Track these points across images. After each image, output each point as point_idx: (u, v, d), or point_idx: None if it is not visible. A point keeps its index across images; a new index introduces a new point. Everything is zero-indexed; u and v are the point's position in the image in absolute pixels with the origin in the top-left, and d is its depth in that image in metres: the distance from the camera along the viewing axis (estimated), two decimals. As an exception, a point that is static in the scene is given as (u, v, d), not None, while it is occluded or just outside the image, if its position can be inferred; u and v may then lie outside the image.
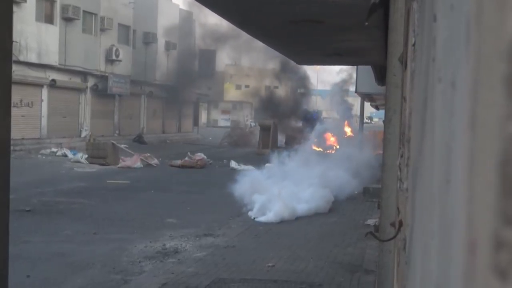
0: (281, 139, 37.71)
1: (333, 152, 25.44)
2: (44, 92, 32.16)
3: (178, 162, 25.25)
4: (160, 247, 10.21)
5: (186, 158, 25.50)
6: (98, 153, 24.96)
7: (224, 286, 7.89)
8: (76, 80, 35.28)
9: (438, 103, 1.19)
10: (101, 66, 37.11)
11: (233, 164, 24.94)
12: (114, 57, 37.74)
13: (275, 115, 39.69)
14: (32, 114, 31.09)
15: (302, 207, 13.51)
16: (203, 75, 49.47)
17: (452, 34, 1.00)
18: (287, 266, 9.05)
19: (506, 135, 0.63)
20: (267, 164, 19.77)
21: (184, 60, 45.79)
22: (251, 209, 13.46)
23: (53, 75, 32.40)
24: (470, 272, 0.69)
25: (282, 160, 18.32)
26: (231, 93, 68.77)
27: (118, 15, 38.58)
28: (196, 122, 53.20)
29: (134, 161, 24.64)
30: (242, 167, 23.28)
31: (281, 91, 47.60)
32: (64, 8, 32.68)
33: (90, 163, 24.73)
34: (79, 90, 35.71)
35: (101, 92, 37.27)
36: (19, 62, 28.07)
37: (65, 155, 27.99)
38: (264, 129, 35.98)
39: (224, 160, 27.03)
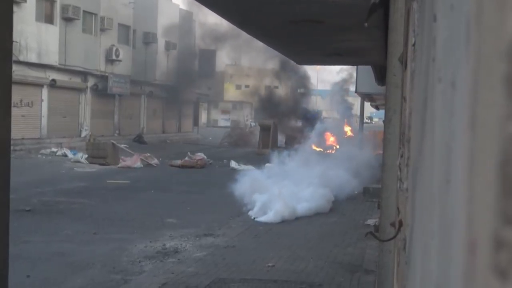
0: (281, 139, 37.71)
1: (333, 152, 25.45)
2: (44, 92, 32.16)
3: (178, 162, 25.25)
4: (160, 247, 10.21)
5: (186, 158, 25.50)
6: (98, 153, 24.96)
7: (224, 286, 7.89)
8: (76, 80, 35.28)
9: (438, 103, 1.19)
10: (101, 66, 37.11)
11: (233, 164, 24.94)
12: (114, 57, 37.74)
13: (275, 115, 39.68)
14: (32, 114, 31.09)
15: (302, 207, 13.50)
16: (203, 75, 49.47)
17: (452, 34, 1.00)
18: (287, 266, 9.05)
19: (506, 135, 0.63)
20: (267, 164, 19.78)
21: (184, 60, 45.78)
22: (251, 209, 13.46)
23: (53, 75, 32.40)
24: (470, 272, 0.69)
25: (282, 160, 18.34)
26: (231, 93, 68.75)
27: (118, 15, 38.58)
28: (196, 122, 53.20)
29: (134, 161, 24.64)
30: (242, 167, 23.27)
31: (281, 91, 47.58)
32: (64, 8, 32.68)
33: (90, 163, 24.73)
34: (79, 90, 35.71)
35: (101, 92, 37.27)
36: (19, 62, 28.07)
37: (65, 155, 27.99)
38: (264, 129, 35.98)
39: (224, 160, 27.04)
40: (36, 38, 30.49)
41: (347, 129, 32.46)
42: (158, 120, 46.47)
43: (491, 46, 0.68)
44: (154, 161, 25.54)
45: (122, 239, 10.74)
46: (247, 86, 58.81)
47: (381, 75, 11.87)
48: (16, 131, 25.79)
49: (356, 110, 39.66)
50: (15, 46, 26.27)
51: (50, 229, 11.49)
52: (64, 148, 29.60)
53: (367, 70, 15.11)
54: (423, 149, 1.53)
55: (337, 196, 15.32)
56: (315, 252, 10.02)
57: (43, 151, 29.37)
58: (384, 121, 4.87)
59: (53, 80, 32.35)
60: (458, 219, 0.80)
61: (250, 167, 22.19)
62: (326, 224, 12.81)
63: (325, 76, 70.08)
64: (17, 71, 26.72)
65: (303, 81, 47.28)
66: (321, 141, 28.17)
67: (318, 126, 29.83)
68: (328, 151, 25.82)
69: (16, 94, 26.65)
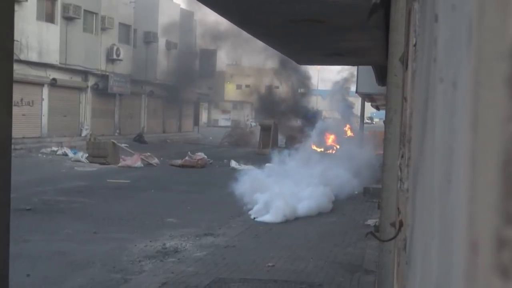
0: (281, 138, 37.71)
1: (333, 152, 25.43)
2: (45, 91, 32.18)
3: (179, 161, 25.25)
4: (160, 247, 10.21)
5: (187, 158, 25.50)
6: (99, 152, 24.97)
7: (224, 286, 7.89)
8: (77, 79, 35.29)
9: (439, 103, 1.19)
10: (101, 65, 37.13)
11: (233, 163, 24.94)
12: (114, 56, 37.76)
13: (275, 114, 39.66)
14: (33, 113, 31.11)
15: (303, 206, 13.48)
16: (204, 74, 49.49)
17: (453, 34, 1.00)
18: (287, 266, 9.05)
19: (508, 135, 0.64)
20: (267, 164, 19.78)
21: (185, 59, 45.80)
22: (251, 209, 13.46)
23: (53, 74, 32.41)
24: (472, 271, 0.69)
25: (282, 160, 18.34)
26: (232, 93, 68.76)
27: (118, 14, 38.59)
28: (196, 121, 53.22)
29: (134, 160, 24.65)
30: (243, 166, 23.27)
31: (282, 91, 47.57)
32: (65, 7, 32.70)
33: (91, 162, 24.74)
34: (80, 89, 35.73)
35: (102, 91, 37.29)
36: (20, 61, 28.08)
37: (65, 154, 28.00)
38: (265, 129, 35.99)
39: (225, 160, 27.04)
40: (37, 37, 30.51)
41: (347, 129, 32.42)
42: (159, 120, 46.49)
43: (493, 47, 0.69)
44: (155, 160, 25.54)
45: (122, 239, 10.74)
46: (247, 86, 58.80)
47: (381, 75, 11.87)
48: (17, 130, 25.80)
49: (357, 110, 39.59)
50: (16, 45, 26.27)
51: (50, 228, 11.50)
52: (65, 147, 29.61)
53: (368, 70, 15.11)
54: (424, 149, 1.53)
55: (337, 196, 15.33)
56: (315, 252, 10.02)
57: (43, 150, 29.39)
58: (384, 121, 4.87)
59: (54, 79, 32.36)
60: (459, 219, 0.80)
61: (250, 167, 22.19)
62: (326, 224, 12.81)
63: (326, 75, 69.95)
64: (18, 70, 26.73)
65: (304, 80, 47.25)
66: (322, 141, 28.15)
67: (319, 124, 29.81)
68: (328, 151, 25.80)
69: (17, 93, 26.66)
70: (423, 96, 1.61)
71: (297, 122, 41.42)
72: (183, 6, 48.85)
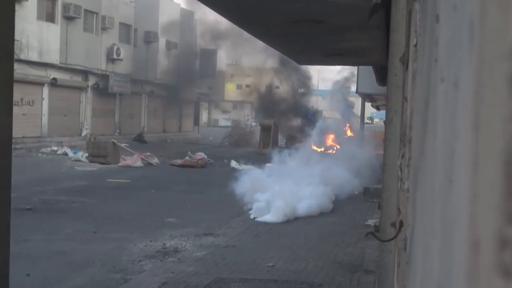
0: (282, 138, 37.71)
1: (333, 152, 25.43)
2: (45, 90, 32.18)
3: (179, 161, 25.26)
4: (160, 246, 10.21)
5: (187, 158, 25.51)
6: (99, 152, 24.97)
7: (224, 286, 7.89)
8: (77, 79, 35.30)
9: (440, 103, 1.19)
10: (102, 65, 37.13)
11: (233, 163, 24.95)
12: (115, 56, 37.77)
13: (275, 114, 39.66)
14: (33, 113, 31.12)
15: (303, 206, 13.47)
16: (204, 74, 49.50)
17: (455, 35, 1.00)
18: (287, 266, 9.05)
19: (510, 135, 0.64)
20: (267, 164, 19.77)
21: (185, 59, 45.81)
22: (251, 209, 13.45)
23: (54, 74, 32.42)
24: (473, 271, 0.69)
25: (282, 159, 18.34)
26: (232, 93, 68.77)
27: (119, 14, 38.60)
28: (196, 121, 53.22)
29: (134, 160, 24.65)
30: (243, 166, 23.27)
31: (282, 91, 47.56)
32: (66, 7, 32.71)
33: (91, 162, 24.74)
34: (80, 89, 35.73)
35: (102, 91, 37.30)
36: (20, 61, 28.08)
37: (65, 154, 28.00)
38: (265, 129, 36.00)
39: (225, 160, 27.04)
40: (37, 36, 30.51)
41: (347, 129, 32.39)
42: (159, 120, 46.49)
43: (495, 47, 0.69)
44: (155, 160, 25.54)
45: (122, 238, 10.74)
46: (247, 86, 58.81)
47: (382, 76, 11.87)
48: (17, 130, 25.79)
49: (357, 110, 39.51)
50: (16, 44, 26.27)
51: (50, 228, 11.50)
52: (65, 147, 29.62)
53: (368, 70, 15.11)
54: (425, 150, 1.53)
55: (338, 196, 15.34)
56: (315, 252, 10.02)
57: (43, 149, 29.39)
58: (385, 122, 4.87)
59: (54, 78, 32.36)
60: (460, 219, 0.80)
61: (250, 166, 22.19)
62: (326, 224, 12.81)
63: (326, 75, 69.79)
64: (18, 70, 26.73)
65: (305, 80, 47.24)
66: (322, 141, 28.14)
67: (319, 124, 29.81)
68: (328, 151, 25.80)
69: (17, 92, 26.66)
70: (424, 96, 1.61)
71: (297, 122, 41.41)
72: (183, 5, 48.87)
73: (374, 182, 16.83)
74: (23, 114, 29.50)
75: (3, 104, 2.89)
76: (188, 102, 49.77)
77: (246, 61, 56.71)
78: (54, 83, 32.41)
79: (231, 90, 69.29)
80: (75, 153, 27.26)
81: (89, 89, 36.40)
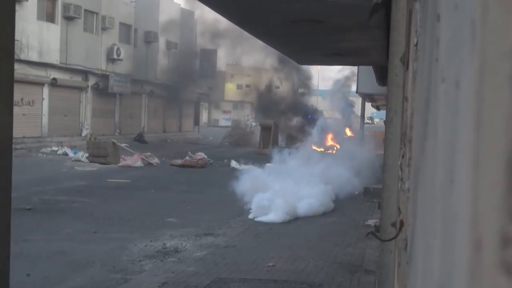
0: (282, 138, 37.71)
1: (333, 152, 25.43)
2: (45, 90, 32.18)
3: (179, 161, 25.26)
4: (160, 246, 10.21)
5: (187, 158, 25.51)
6: (99, 152, 24.97)
7: (224, 286, 7.89)
8: (77, 79, 35.30)
9: (441, 103, 1.19)
10: (102, 65, 37.13)
11: (233, 163, 24.94)
12: (115, 56, 37.77)
13: (275, 114, 39.65)
14: (33, 113, 31.12)
15: (303, 205, 13.46)
16: (204, 74, 49.51)
17: (456, 34, 1.00)
18: (287, 266, 9.05)
19: (512, 134, 0.64)
20: (267, 164, 19.77)
21: (185, 59, 45.81)
22: (251, 208, 13.44)
23: (54, 74, 32.42)
24: (476, 270, 0.69)
25: (283, 159, 18.33)
26: (232, 93, 68.77)
27: (119, 14, 38.59)
28: (196, 121, 53.23)
29: (134, 160, 24.65)
30: (243, 166, 23.27)
31: (282, 90, 47.56)
32: (66, 7, 32.71)
33: (91, 162, 24.74)
34: (80, 89, 35.74)
35: (102, 91, 37.30)
36: (20, 61, 28.08)
37: (65, 154, 28.01)
38: (265, 129, 36.00)
39: (225, 160, 27.04)
40: (37, 36, 30.51)
41: (347, 130, 32.38)
42: (159, 120, 46.49)
43: (496, 46, 0.69)
44: (155, 160, 25.54)
45: (122, 238, 10.74)
46: (247, 86, 58.82)
47: (382, 75, 11.87)
48: (17, 130, 25.79)
49: (357, 110, 39.44)
50: (16, 44, 26.20)
51: (50, 228, 11.50)
52: (65, 147, 29.62)
53: (368, 70, 15.12)
54: (425, 149, 1.53)
55: (338, 196, 15.34)
56: (315, 252, 10.02)
57: (43, 149, 29.39)
58: (385, 122, 4.87)
59: (54, 79, 32.37)
60: (462, 217, 0.80)
61: (250, 166, 22.18)
62: (326, 224, 12.81)
63: (326, 74, 69.69)
64: (18, 70, 26.73)
65: (305, 80, 47.22)
66: (322, 141, 28.15)
67: (319, 122, 29.82)
68: (328, 151, 25.80)
69: (17, 92, 26.64)
70: (424, 96, 1.61)
71: (297, 121, 41.41)
72: (183, 5, 48.88)
73: (374, 182, 16.83)
74: (23, 114, 29.49)
75: (4, 104, 2.89)
76: (188, 102, 49.77)
77: (246, 61, 56.71)
78: (54, 83, 32.42)
79: (231, 90, 69.29)
80: (75, 153, 27.27)
81: (89, 89, 36.41)
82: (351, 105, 41.87)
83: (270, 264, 9.07)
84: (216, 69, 53.22)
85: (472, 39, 0.79)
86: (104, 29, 36.94)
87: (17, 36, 26.86)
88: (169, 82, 44.72)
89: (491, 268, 0.64)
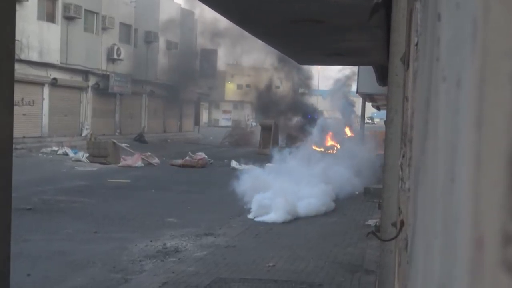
0: (282, 138, 37.71)
1: (334, 152, 25.44)
2: (46, 90, 32.19)
3: (179, 161, 25.26)
4: (160, 246, 10.21)
5: (187, 158, 25.51)
6: (99, 152, 24.98)
7: (224, 286, 7.89)
8: (78, 79, 35.31)
9: (442, 102, 1.19)
10: (102, 65, 37.14)
11: (234, 163, 24.94)
12: (115, 56, 37.78)
13: (275, 114, 39.65)
14: (33, 113, 31.12)
15: (304, 205, 13.45)
16: (204, 74, 49.52)
17: (457, 33, 1.00)
18: (287, 266, 9.05)
19: (513, 133, 0.64)
20: (267, 164, 19.77)
21: (185, 59, 45.83)
22: (252, 208, 13.43)
23: (54, 74, 32.43)
24: (477, 269, 0.69)
25: (283, 159, 18.33)
26: (232, 93, 68.78)
27: (119, 14, 38.60)
28: (197, 121, 53.24)
29: (135, 160, 24.65)
30: (243, 166, 23.27)
31: (282, 90, 47.55)
32: (66, 7, 32.72)
33: (91, 162, 24.75)
34: (80, 89, 35.74)
35: (102, 91, 37.30)
36: (21, 61, 28.09)
37: (66, 154, 28.01)
38: (265, 129, 36.00)
39: (225, 160, 27.05)
40: (37, 36, 30.52)
41: (347, 130, 32.37)
42: (159, 120, 46.50)
43: (498, 45, 0.68)
44: (155, 160, 25.55)
45: (123, 238, 10.74)
46: (248, 86, 58.81)
47: (382, 75, 11.86)
48: (17, 130, 25.80)
49: (358, 110, 39.39)
50: (16, 44, 26.18)
51: (50, 228, 11.50)
52: (65, 147, 29.62)
53: (368, 70, 15.12)
54: (426, 149, 1.53)
55: (338, 196, 15.34)
56: (315, 252, 10.02)
57: (44, 149, 29.39)
58: (385, 121, 4.87)
59: (54, 78, 32.37)
60: (463, 217, 0.80)
61: (251, 166, 22.17)
62: (327, 224, 12.81)
63: (327, 73, 69.57)
64: (19, 70, 26.72)
65: (305, 80, 47.20)
66: (322, 141, 28.15)
67: (320, 122, 29.82)
68: (329, 151, 25.80)
69: (18, 92, 26.62)
70: (425, 96, 1.61)
71: (297, 121, 41.39)
72: (183, 5, 48.89)
73: (374, 182, 16.83)
74: (24, 114, 29.50)
75: (4, 104, 2.88)
76: (188, 102, 49.77)
77: (246, 60, 56.71)
78: (54, 83, 32.42)
79: (231, 90, 69.31)
80: (75, 153, 27.26)
81: (89, 89, 36.41)
82: (351, 104, 41.81)
83: (270, 264, 9.07)
84: (216, 69, 53.23)
85: (473, 39, 0.79)
86: (104, 29, 36.95)
87: (18, 36, 26.83)
88: (169, 82, 44.72)
89: (493, 267, 0.64)
